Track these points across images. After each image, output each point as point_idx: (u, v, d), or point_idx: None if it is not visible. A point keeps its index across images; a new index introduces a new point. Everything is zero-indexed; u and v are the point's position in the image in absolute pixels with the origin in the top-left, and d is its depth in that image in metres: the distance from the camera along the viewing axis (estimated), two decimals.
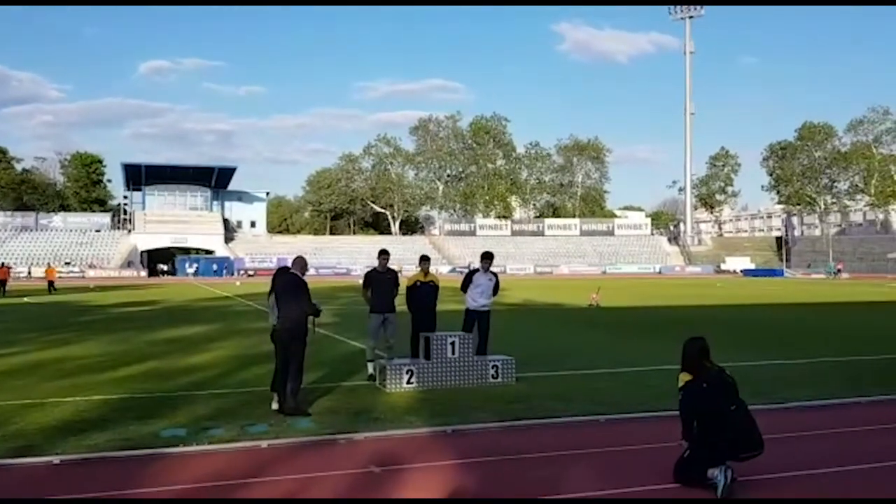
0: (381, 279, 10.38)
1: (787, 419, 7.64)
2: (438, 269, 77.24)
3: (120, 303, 29.57)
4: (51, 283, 40.41)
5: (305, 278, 8.46)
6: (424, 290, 10.71)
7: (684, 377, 5.29)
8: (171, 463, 6.12)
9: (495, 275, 11.06)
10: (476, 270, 11.04)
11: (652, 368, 11.22)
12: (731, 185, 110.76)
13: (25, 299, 32.02)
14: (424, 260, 11.01)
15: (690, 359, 5.32)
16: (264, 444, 6.67)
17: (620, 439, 6.92)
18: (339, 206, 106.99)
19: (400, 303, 10.53)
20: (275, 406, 8.08)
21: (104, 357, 12.61)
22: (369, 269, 10.78)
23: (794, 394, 9.11)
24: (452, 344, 9.63)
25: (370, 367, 10.18)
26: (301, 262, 8.55)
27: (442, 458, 6.26)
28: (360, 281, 11.23)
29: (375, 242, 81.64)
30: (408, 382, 9.37)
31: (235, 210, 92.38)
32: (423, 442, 6.85)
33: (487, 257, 10.97)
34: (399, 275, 10.84)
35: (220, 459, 6.21)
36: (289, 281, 8.28)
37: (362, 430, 7.14)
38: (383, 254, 10.53)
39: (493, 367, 9.79)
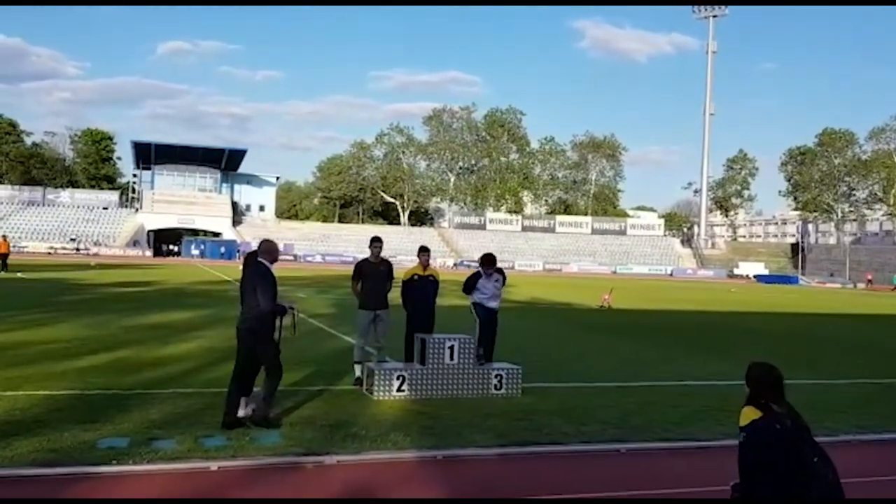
0: (372, 271, 9.15)
1: (848, 458, 6.29)
2: (445, 261, 76.09)
3: (114, 282, 28.58)
4: (3, 259, 32.60)
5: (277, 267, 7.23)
6: (422, 286, 9.47)
7: (750, 413, 3.86)
8: (91, 487, 4.97)
9: (501, 273, 9.86)
10: (480, 276, 9.79)
11: (678, 383, 10.04)
12: (748, 189, 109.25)
13: (19, 274, 31.10)
14: (423, 251, 9.69)
15: (764, 391, 3.93)
16: (214, 465, 5.51)
17: (646, 479, 5.72)
18: (348, 193, 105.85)
19: (395, 298, 9.36)
20: (241, 413, 6.94)
21: (72, 343, 11.51)
22: (360, 260, 9.57)
23: (841, 423, 7.88)
24: (451, 348, 8.45)
25: (357, 370, 9.00)
26: (269, 248, 7.10)
27: (425, 495, 5.09)
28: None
29: (384, 232, 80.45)
30: (398, 390, 8.21)
31: (244, 193, 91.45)
32: (406, 471, 5.68)
33: (489, 262, 9.70)
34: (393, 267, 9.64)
35: (155, 484, 5.08)
36: (253, 272, 6.97)
37: (336, 451, 5.98)
38: (376, 241, 9.26)
39: (496, 377, 8.60)
